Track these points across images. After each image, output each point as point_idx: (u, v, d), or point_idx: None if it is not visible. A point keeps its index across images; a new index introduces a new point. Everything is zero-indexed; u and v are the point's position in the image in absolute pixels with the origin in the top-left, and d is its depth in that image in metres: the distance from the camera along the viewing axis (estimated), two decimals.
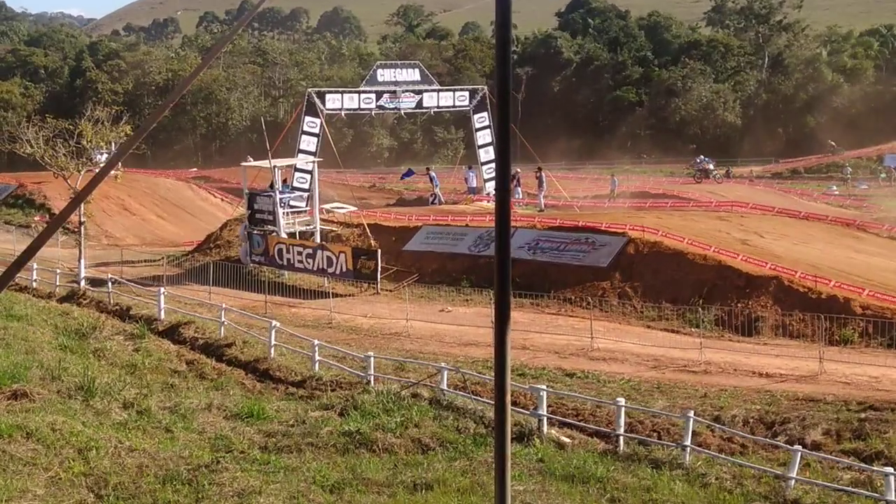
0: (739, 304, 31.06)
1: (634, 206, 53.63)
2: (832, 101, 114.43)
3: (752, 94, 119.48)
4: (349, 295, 38.04)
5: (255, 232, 42.37)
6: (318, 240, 42.25)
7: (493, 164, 54.25)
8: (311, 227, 43.33)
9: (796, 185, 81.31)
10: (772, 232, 39.92)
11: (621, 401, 21.25)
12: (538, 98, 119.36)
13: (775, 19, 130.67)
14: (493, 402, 5.31)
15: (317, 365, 27.36)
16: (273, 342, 28.99)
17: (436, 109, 57.47)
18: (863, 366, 25.30)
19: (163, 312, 33.40)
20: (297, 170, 48.89)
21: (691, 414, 20.21)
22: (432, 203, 53.72)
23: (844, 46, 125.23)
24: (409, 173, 64.98)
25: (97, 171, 38.23)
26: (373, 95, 51.91)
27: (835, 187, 79.07)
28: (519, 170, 55.29)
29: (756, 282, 32.02)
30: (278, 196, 42.51)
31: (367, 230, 42.78)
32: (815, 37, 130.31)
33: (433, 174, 59.17)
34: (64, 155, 40.54)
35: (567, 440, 21.25)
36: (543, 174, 52.16)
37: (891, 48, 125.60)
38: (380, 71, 52.98)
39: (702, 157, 73.27)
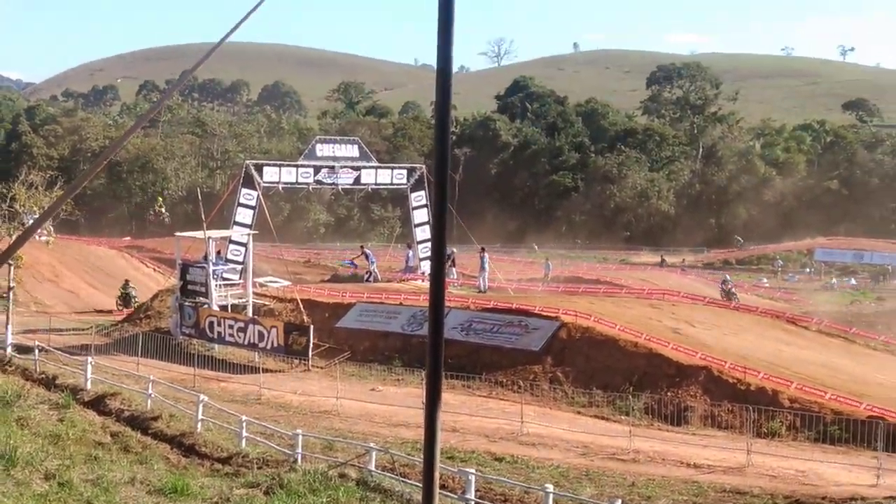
0: (669, 393, 31.16)
1: (568, 290, 53.87)
2: (764, 194, 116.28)
3: (685, 184, 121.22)
4: (279, 371, 37.71)
5: (187, 304, 41.99)
6: (250, 313, 41.92)
7: (429, 244, 54.34)
8: (244, 300, 43.03)
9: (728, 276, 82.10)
10: (703, 322, 40.21)
11: (550, 487, 21.13)
12: (475, 179, 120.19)
13: (710, 111, 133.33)
14: (421, 485, 5.23)
15: (244, 441, 26.98)
16: (200, 417, 28.59)
17: (374, 186, 57.46)
18: (790, 459, 25.39)
19: (89, 382, 32.87)
20: (231, 242, 48.65)
21: (619, 503, 20.13)
22: (367, 281, 53.56)
23: (777, 140, 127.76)
24: (352, 264, 64.79)
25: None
26: (311, 170, 51.86)
27: (765, 279, 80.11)
28: (454, 250, 55.40)
29: (686, 371, 32.16)
30: (211, 268, 42.24)
31: (301, 305, 42.54)
32: (749, 129, 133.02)
33: (368, 251, 59.09)
34: None
35: None
36: (486, 255, 52.23)
37: (823, 143, 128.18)
38: (319, 146, 52.99)
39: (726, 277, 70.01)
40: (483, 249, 52.72)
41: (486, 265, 51.78)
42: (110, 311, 53.36)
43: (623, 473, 24.92)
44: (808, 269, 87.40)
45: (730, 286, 59.68)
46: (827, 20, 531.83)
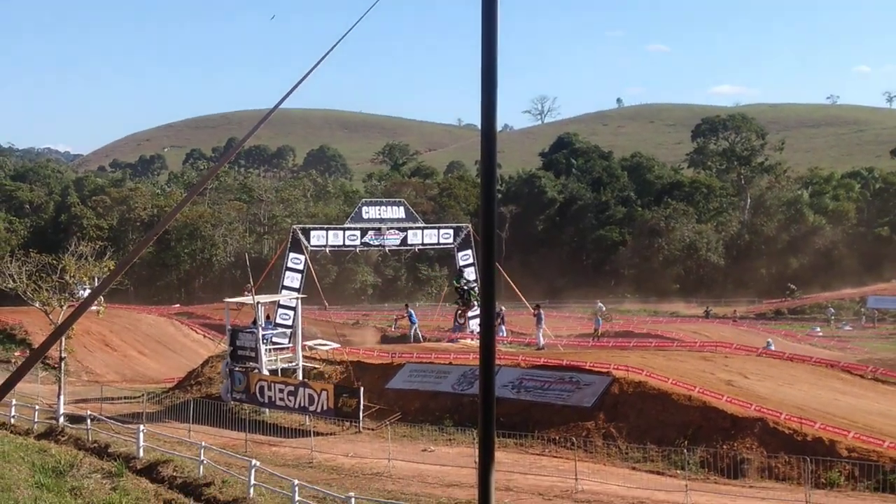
0: (724, 446, 30.74)
1: (618, 345, 53.52)
2: (814, 243, 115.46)
3: (734, 235, 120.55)
4: (330, 433, 37.59)
5: (237, 369, 42.06)
6: (300, 377, 41.91)
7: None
8: (294, 364, 43.03)
9: (780, 325, 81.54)
10: (756, 373, 39.75)
11: None
12: (522, 236, 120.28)
13: (757, 161, 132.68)
14: None
15: None
16: (252, 482, 28.53)
17: (420, 247, 57.49)
18: None
19: (141, 450, 32.92)
20: (280, 306, 48.75)
21: None
22: (413, 341, 53.50)
23: (826, 188, 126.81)
24: (395, 325, 64.52)
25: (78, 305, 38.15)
26: (357, 232, 52.02)
27: (818, 328, 79.32)
28: (503, 307, 55.26)
29: (741, 423, 31.75)
30: (261, 333, 42.32)
31: (350, 367, 42.51)
32: (797, 179, 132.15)
33: (411, 311, 59.07)
34: (46, 290, 40.41)
35: None
36: (542, 311, 52.03)
37: (872, 190, 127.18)
38: (365, 208, 53.18)
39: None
40: (538, 306, 52.55)
41: (543, 321, 51.58)
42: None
43: None
44: (861, 317, 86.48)
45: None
46: (872, 68, 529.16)
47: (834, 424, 31.03)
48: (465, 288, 52.09)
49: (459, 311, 53.51)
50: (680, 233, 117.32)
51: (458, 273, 53.14)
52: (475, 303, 51.41)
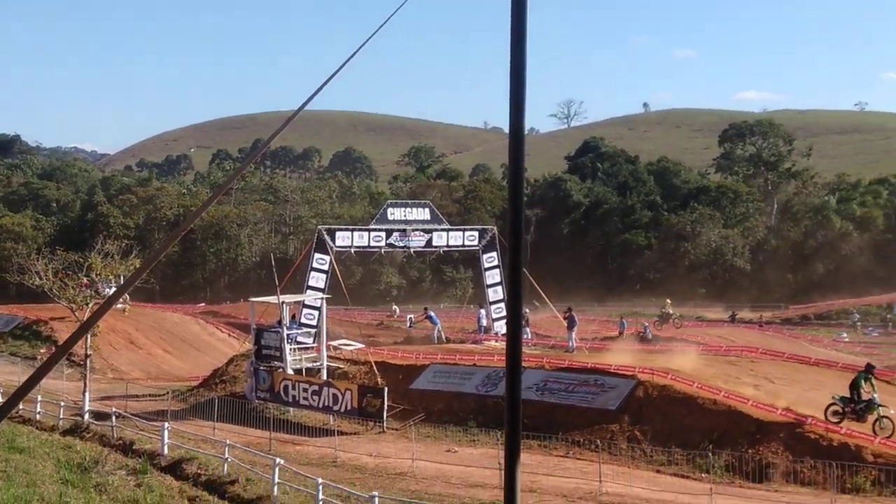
0: (750, 450, 30.64)
1: (643, 349, 53.40)
2: (841, 249, 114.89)
3: (761, 240, 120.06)
4: (354, 433, 37.65)
5: (262, 368, 42.18)
6: (324, 377, 41.99)
7: (501, 304, 54.21)
8: (318, 363, 43.11)
9: (806, 331, 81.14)
10: (782, 377, 39.61)
11: None
12: (548, 239, 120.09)
13: (784, 167, 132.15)
14: None
15: None
16: (276, 480, 28.57)
17: (445, 248, 57.50)
18: None
19: (166, 448, 33.02)
20: (305, 306, 48.86)
21: None
22: (437, 342, 53.52)
23: (853, 194, 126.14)
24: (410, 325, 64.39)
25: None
26: (383, 234, 52.10)
27: (845, 334, 78.93)
28: (528, 310, 55.26)
29: (767, 427, 31.65)
30: (286, 332, 42.43)
31: (374, 368, 42.57)
32: (824, 185, 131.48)
33: (432, 314, 59.05)
34: (73, 287, 40.63)
35: None
36: (574, 314, 51.93)
37: None
38: (390, 209, 53.27)
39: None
40: (570, 309, 52.45)
41: (576, 324, 51.48)
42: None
43: None
44: (888, 323, 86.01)
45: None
46: None
47: (860, 430, 30.92)
48: None
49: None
50: (706, 237, 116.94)
51: None
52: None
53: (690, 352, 46.45)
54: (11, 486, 26.00)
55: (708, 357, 46.84)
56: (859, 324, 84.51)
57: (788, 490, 28.61)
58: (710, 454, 30.35)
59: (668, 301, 72.07)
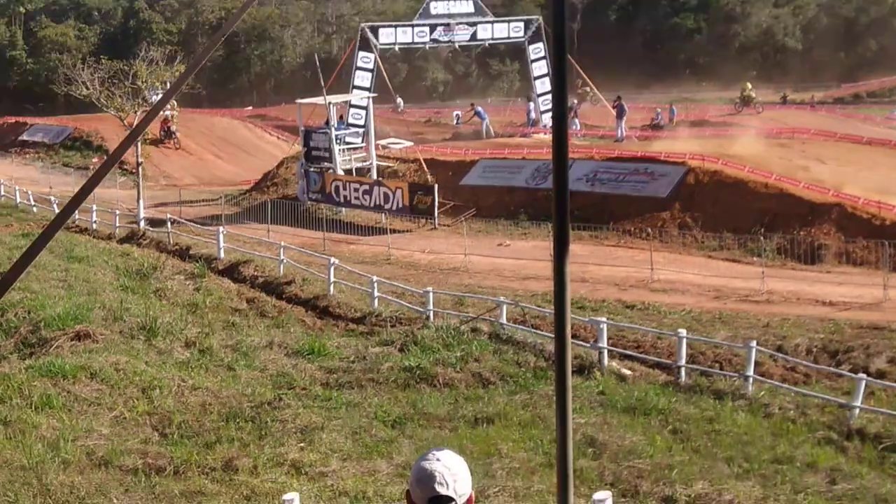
0: (802, 233, 30.66)
1: (694, 134, 52.98)
2: (894, 25, 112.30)
3: (812, 19, 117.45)
4: (406, 231, 37.99)
5: (312, 169, 42.38)
6: (374, 176, 42.15)
7: (549, 96, 53.70)
8: (368, 163, 43.22)
9: (859, 109, 79.97)
10: (834, 158, 39.25)
11: (682, 332, 21.02)
12: (594, 27, 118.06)
13: None
14: (552, 336, 5.19)
15: (376, 301, 27.31)
16: (332, 279, 28.99)
17: (490, 41, 56.67)
18: None
19: (222, 251, 33.48)
20: (352, 106, 48.69)
21: (754, 344, 19.94)
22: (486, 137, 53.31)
23: None
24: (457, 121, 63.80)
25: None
26: (426, 29, 51.41)
27: None
28: (576, 101, 54.74)
29: (819, 209, 31.59)
30: (334, 133, 42.42)
31: (424, 165, 42.61)
32: None
33: (479, 109, 58.63)
34: (120, 96, 40.68)
35: (628, 372, 21.09)
36: (623, 103, 51.47)
37: None
38: (433, 3, 52.38)
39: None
40: (619, 98, 51.94)
41: (626, 113, 51.09)
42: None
43: (757, 315, 24.73)
44: None
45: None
46: None
47: None
48: None
49: None
50: (756, 18, 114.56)
51: None
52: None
53: (744, 136, 45.99)
54: (73, 294, 26.52)
55: (759, 140, 46.43)
56: None
57: (841, 270, 28.71)
58: (762, 238, 30.36)
59: (749, 84, 70.82)
